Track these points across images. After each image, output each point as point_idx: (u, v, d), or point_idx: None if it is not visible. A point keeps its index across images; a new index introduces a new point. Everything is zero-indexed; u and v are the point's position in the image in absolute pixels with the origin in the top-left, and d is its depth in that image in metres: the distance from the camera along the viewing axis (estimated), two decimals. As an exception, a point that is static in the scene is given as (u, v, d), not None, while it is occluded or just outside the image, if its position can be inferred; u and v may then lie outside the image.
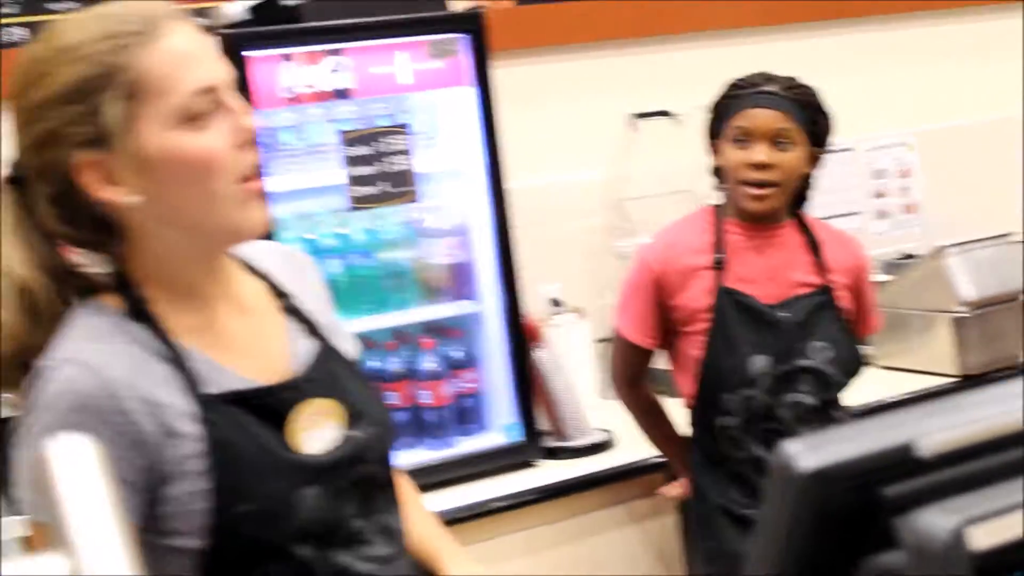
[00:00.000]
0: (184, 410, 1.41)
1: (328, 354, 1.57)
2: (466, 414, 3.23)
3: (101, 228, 1.45)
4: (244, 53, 2.79)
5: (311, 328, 1.58)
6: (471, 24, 3.06)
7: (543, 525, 2.83)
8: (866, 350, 3.61)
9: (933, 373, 3.50)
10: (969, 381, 3.42)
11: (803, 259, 2.62)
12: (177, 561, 1.42)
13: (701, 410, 2.60)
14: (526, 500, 2.80)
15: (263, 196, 1.48)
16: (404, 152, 3.06)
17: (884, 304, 3.60)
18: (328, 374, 1.55)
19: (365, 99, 3.04)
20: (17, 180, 1.45)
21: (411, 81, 3.06)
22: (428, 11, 3.12)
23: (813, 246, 2.64)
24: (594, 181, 3.83)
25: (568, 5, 3.79)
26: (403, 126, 3.08)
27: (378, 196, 3.04)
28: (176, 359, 1.43)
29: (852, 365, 2.61)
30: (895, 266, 4.03)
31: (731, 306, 2.55)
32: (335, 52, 2.94)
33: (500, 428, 3.17)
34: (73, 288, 1.47)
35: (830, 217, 4.18)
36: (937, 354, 3.49)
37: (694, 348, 2.58)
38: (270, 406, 1.47)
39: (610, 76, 3.87)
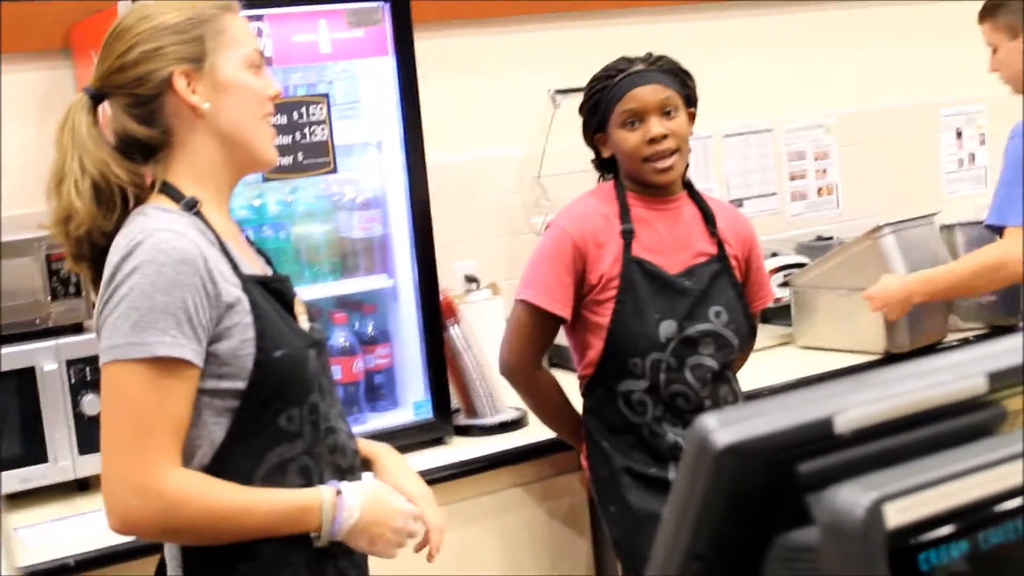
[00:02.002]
0: (233, 281, 1.83)
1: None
2: (377, 390, 3.20)
3: (163, 134, 1.88)
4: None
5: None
6: (392, -7, 3.02)
7: (454, 503, 2.80)
8: (779, 327, 3.65)
9: (859, 352, 3.53)
10: (893, 359, 3.46)
11: (699, 229, 2.73)
12: (222, 403, 1.81)
13: (605, 376, 2.65)
14: (437, 478, 2.77)
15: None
16: (323, 122, 3.00)
17: (814, 284, 3.64)
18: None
19: (284, 67, 2.99)
20: (96, 96, 1.89)
21: (331, 50, 3.01)
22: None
23: (706, 217, 2.73)
24: (513, 157, 3.82)
25: (490, -22, 3.75)
26: (323, 95, 3.03)
27: (294, 167, 2.98)
28: (221, 246, 1.85)
29: (746, 330, 2.73)
30: (810, 248, 4.07)
31: (640, 274, 2.63)
32: (255, 18, 2.88)
33: (411, 405, 3.14)
34: (131, 186, 1.87)
35: (748, 198, 4.23)
36: (865, 334, 3.53)
37: (601, 316, 2.64)
38: (277, 291, 1.92)
39: (533, 51, 3.85)
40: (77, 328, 2.85)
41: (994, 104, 4.56)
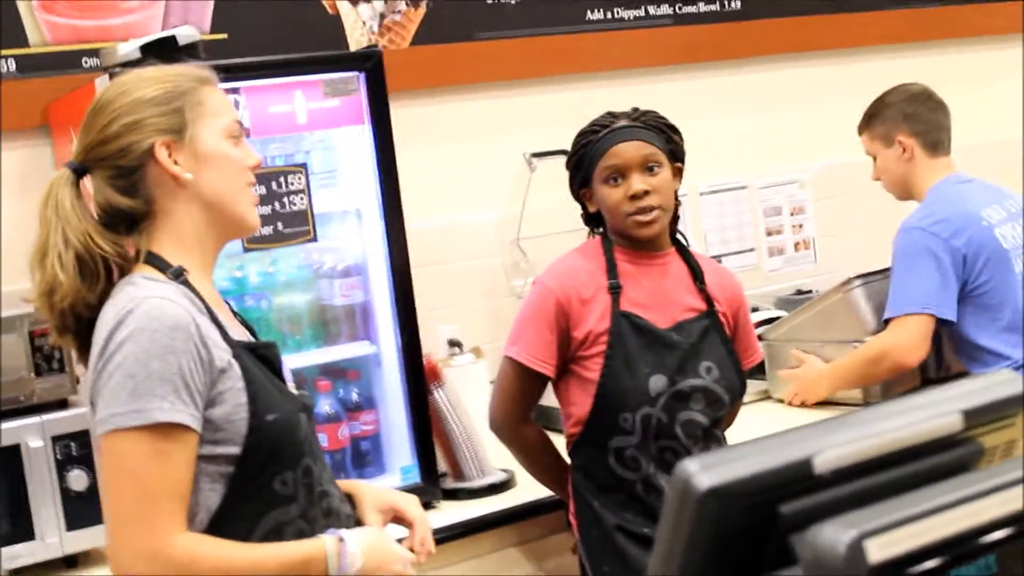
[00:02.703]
0: (224, 347, 1.86)
1: None
2: (364, 456, 3.19)
3: (146, 204, 1.91)
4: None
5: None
6: (368, 63, 3.05)
7: (445, 567, 2.80)
8: (756, 382, 3.67)
9: (836, 404, 3.54)
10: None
11: (687, 285, 2.72)
12: (216, 468, 1.83)
13: (594, 433, 2.63)
14: (426, 541, 2.76)
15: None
16: (301, 192, 3.02)
17: (788, 338, 3.66)
18: None
19: (262, 138, 3.01)
20: (78, 170, 1.93)
21: (307, 120, 3.04)
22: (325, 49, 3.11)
23: (695, 273, 2.73)
24: (491, 220, 3.84)
25: (463, 46, 3.81)
26: (301, 165, 3.05)
27: (274, 236, 2.99)
28: (210, 313, 1.87)
29: (737, 387, 2.72)
30: (789, 301, 4.09)
31: (629, 328, 2.62)
32: (232, 91, 2.90)
33: (398, 470, 3.14)
34: (115, 257, 1.90)
35: (726, 254, 4.26)
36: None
37: (590, 371, 2.62)
38: (266, 356, 1.95)
39: (507, 116, 3.89)
40: (62, 404, 2.84)
41: (963, 154, 4.62)
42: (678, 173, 2.70)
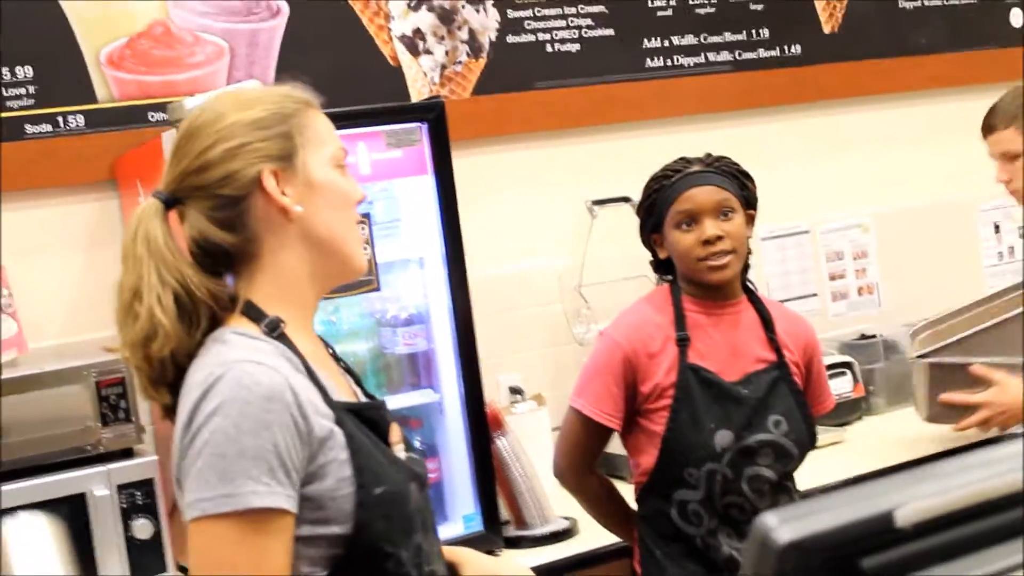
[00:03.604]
0: (325, 412, 1.61)
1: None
2: (428, 505, 3.19)
3: (247, 241, 1.68)
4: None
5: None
6: (431, 113, 3.07)
7: (508, 616, 2.78)
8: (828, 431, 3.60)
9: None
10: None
11: (758, 335, 2.67)
12: (321, 551, 1.60)
13: (659, 485, 2.60)
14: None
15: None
16: (364, 242, 3.04)
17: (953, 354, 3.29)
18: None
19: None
20: (169, 201, 1.69)
21: (371, 171, 3.06)
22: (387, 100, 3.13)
23: (766, 322, 2.68)
24: (553, 268, 3.84)
25: (524, 95, 3.82)
26: (364, 216, 3.07)
27: (338, 287, 3.01)
28: (309, 372, 1.64)
29: (807, 439, 2.64)
30: (853, 347, 4.05)
31: (696, 382, 2.57)
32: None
33: (460, 518, 3.13)
34: (212, 300, 1.67)
35: (789, 299, 4.23)
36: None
37: (656, 424, 2.58)
38: (372, 419, 1.71)
39: (568, 163, 3.90)
40: (127, 453, 2.86)
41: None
42: (751, 220, 2.67)
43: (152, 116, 3.33)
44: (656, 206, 2.65)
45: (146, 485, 2.79)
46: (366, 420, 1.69)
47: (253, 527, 1.52)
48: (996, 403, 3.13)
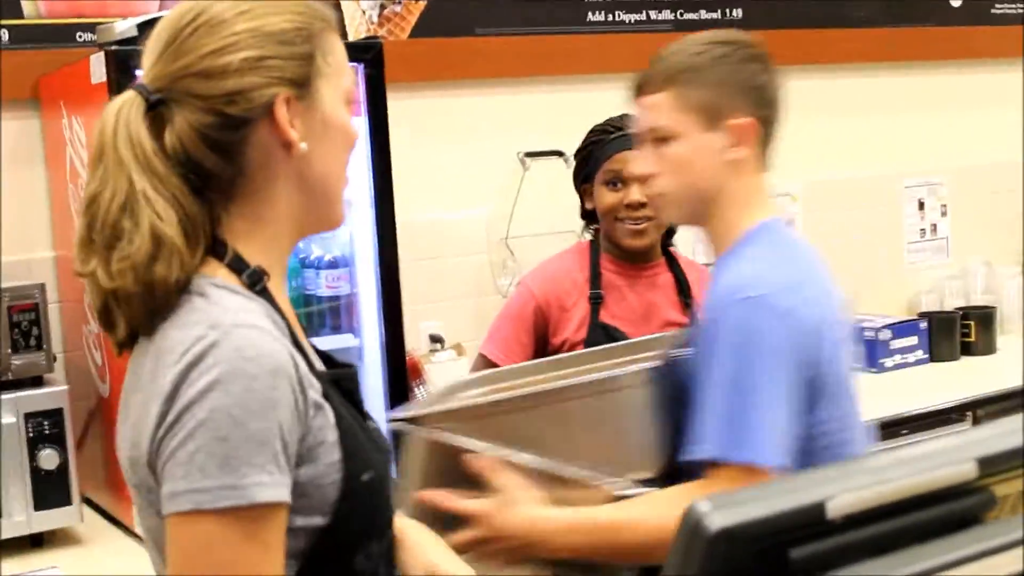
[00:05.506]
0: (315, 385, 1.37)
1: None
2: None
3: (238, 172, 1.40)
4: (135, 71, 2.71)
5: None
6: (367, 54, 3.02)
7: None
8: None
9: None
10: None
11: (673, 299, 2.70)
12: (296, 544, 1.36)
13: None
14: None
15: None
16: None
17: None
18: None
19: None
20: (155, 102, 1.39)
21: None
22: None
23: (681, 286, 2.70)
24: (481, 218, 3.81)
25: (463, 40, 3.77)
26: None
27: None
28: (293, 337, 1.39)
29: None
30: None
31: (605, 340, 2.59)
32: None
33: (375, 465, 3.11)
34: (204, 239, 1.39)
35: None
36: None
37: None
38: (348, 388, 1.45)
39: (503, 113, 3.86)
40: (37, 381, 2.81)
41: (956, 176, 4.64)
42: None
43: (80, 36, 3.24)
44: (590, 158, 2.67)
45: (55, 415, 2.74)
46: (344, 391, 1.44)
47: (255, 524, 1.28)
48: (492, 523, 1.89)
